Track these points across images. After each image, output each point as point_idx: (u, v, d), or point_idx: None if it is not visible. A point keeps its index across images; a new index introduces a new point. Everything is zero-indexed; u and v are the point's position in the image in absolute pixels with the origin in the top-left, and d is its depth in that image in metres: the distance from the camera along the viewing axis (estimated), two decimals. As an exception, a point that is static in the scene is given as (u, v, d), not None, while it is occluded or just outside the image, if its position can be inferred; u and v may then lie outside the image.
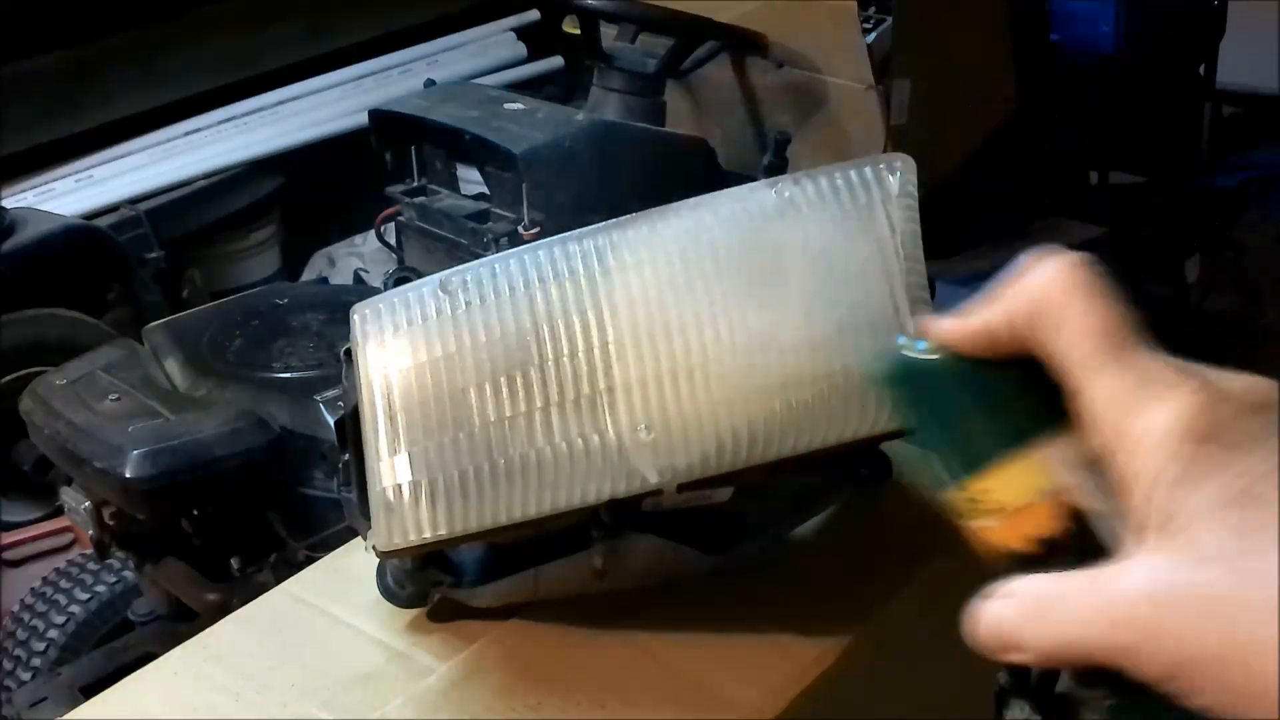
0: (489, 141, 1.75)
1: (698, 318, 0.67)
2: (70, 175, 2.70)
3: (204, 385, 1.55)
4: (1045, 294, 0.43)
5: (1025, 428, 0.44)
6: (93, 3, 2.71)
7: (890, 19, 2.09)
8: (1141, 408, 0.40)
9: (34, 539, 2.13)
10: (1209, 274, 2.96)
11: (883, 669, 0.79)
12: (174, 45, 2.87)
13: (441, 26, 3.19)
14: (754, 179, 0.73)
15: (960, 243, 2.06)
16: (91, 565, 1.88)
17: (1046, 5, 2.48)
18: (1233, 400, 0.40)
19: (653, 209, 0.69)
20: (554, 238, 0.68)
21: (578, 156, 1.77)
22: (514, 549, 0.74)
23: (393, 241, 2.00)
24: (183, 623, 1.57)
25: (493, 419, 0.67)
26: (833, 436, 0.67)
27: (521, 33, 3.26)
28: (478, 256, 0.83)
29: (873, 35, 2.08)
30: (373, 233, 2.10)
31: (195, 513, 1.48)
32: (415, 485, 0.67)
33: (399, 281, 1.14)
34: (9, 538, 2.13)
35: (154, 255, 2.58)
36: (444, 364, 0.67)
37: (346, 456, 0.74)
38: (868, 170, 0.68)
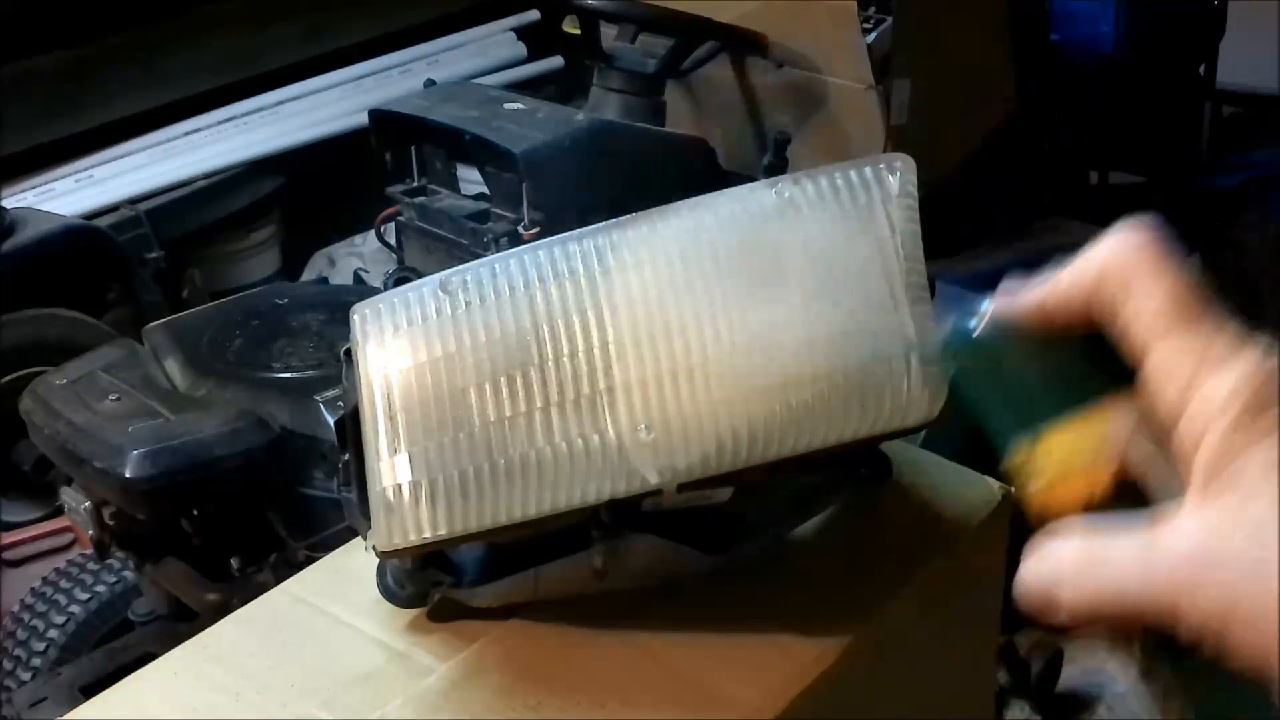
0: (489, 141, 1.75)
1: (698, 318, 0.67)
2: (70, 175, 2.70)
3: (204, 385, 1.55)
4: (1114, 262, 0.43)
5: (1087, 393, 0.44)
6: (93, 3, 2.71)
7: (890, 19, 2.09)
8: (1204, 375, 0.41)
9: (34, 539, 2.14)
10: (1209, 274, 2.96)
11: (883, 669, 0.79)
12: (174, 45, 2.87)
13: (441, 26, 3.19)
14: (754, 179, 0.73)
15: (960, 243, 2.06)
16: (91, 565, 1.88)
17: (1046, 5, 2.48)
18: None
19: (653, 209, 0.69)
20: (554, 238, 0.68)
21: (578, 156, 1.77)
22: (514, 549, 0.74)
23: (393, 241, 2.01)
24: (183, 623, 1.57)
25: (493, 419, 0.67)
26: (833, 436, 0.67)
27: (521, 33, 3.26)
28: (478, 256, 0.83)
29: (873, 35, 2.08)
30: (373, 233, 2.10)
31: (195, 513, 1.48)
32: (415, 485, 0.67)
33: (399, 281, 1.14)
34: (9, 538, 2.13)
35: (154, 255, 2.58)
36: (444, 364, 0.67)
37: (346, 456, 0.74)
38: (868, 170, 0.68)
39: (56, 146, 2.71)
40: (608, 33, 2.16)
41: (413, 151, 1.94)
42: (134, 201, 2.64)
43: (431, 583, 0.76)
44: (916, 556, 0.81)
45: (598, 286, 0.67)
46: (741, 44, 2.13)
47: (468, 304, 0.67)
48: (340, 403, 0.73)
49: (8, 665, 1.78)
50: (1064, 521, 0.44)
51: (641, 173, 1.87)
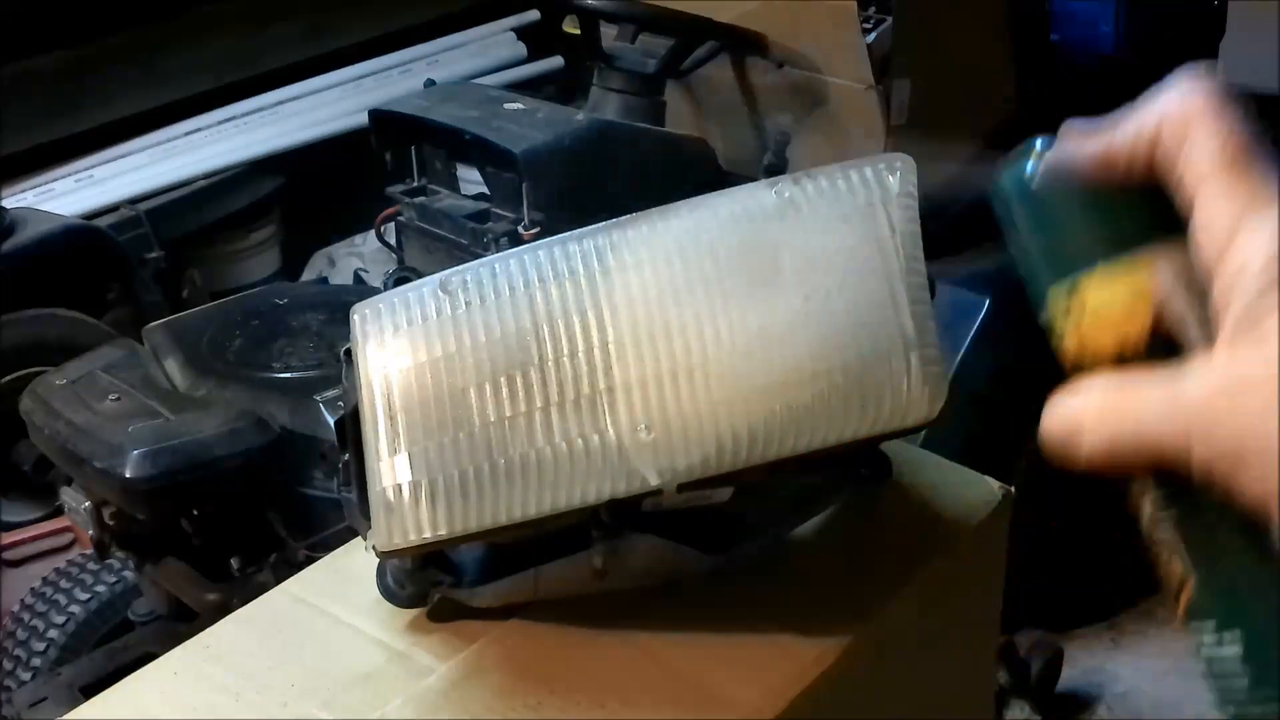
0: (489, 141, 1.75)
1: (698, 318, 0.67)
2: (70, 175, 2.70)
3: (204, 385, 1.55)
4: (1174, 110, 0.43)
5: (1134, 237, 0.44)
6: (93, 3, 2.71)
7: (890, 19, 2.09)
8: (1247, 225, 0.41)
9: (34, 539, 2.14)
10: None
11: (883, 669, 0.79)
12: (174, 45, 2.87)
13: (441, 26, 3.19)
14: (754, 179, 0.73)
15: (960, 243, 2.06)
16: (91, 565, 1.88)
17: (1046, 5, 2.48)
18: None
19: (653, 209, 0.69)
20: (554, 238, 0.68)
21: (578, 156, 1.78)
22: (514, 549, 0.74)
23: (393, 241, 2.01)
24: (183, 623, 1.57)
25: (493, 419, 0.67)
26: (833, 436, 0.67)
27: (521, 33, 3.26)
28: (478, 256, 0.83)
29: (873, 35, 2.08)
30: (373, 233, 2.10)
31: (195, 513, 1.48)
32: (415, 485, 0.67)
33: (399, 281, 1.14)
34: (9, 538, 2.13)
35: (154, 255, 2.58)
36: (444, 364, 0.67)
37: (346, 456, 0.74)
38: (868, 170, 0.68)
39: (56, 146, 2.71)
40: (608, 33, 2.16)
41: (413, 151, 1.94)
42: (134, 201, 2.64)
43: (431, 583, 0.76)
44: (916, 556, 0.81)
45: (598, 286, 0.67)
46: (741, 44, 2.13)
47: (468, 304, 0.67)
48: (340, 403, 0.73)
49: (8, 665, 1.78)
50: (1092, 374, 0.44)
51: (641, 173, 1.87)
